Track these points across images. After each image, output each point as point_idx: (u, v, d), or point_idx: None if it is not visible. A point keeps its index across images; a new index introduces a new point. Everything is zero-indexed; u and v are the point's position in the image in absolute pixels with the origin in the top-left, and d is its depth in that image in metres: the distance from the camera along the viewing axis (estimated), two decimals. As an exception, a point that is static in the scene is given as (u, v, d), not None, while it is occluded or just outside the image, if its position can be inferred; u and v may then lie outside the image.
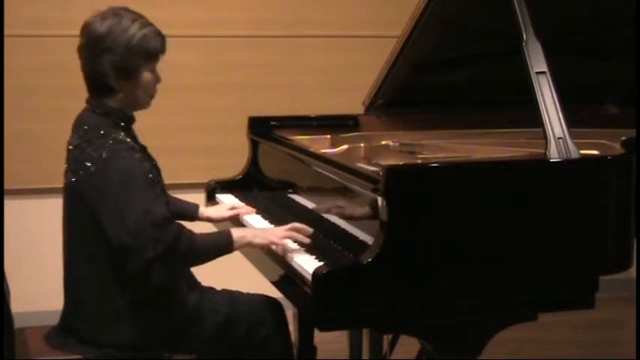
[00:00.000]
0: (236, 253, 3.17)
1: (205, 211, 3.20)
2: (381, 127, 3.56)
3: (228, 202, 3.38)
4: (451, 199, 2.53)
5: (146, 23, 2.69)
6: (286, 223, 2.89)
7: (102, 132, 2.66)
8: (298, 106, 4.76)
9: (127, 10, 2.71)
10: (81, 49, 2.72)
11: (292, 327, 3.36)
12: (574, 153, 2.68)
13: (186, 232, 2.62)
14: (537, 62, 2.76)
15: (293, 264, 2.66)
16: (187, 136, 4.70)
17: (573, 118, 2.73)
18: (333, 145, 3.43)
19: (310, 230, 2.75)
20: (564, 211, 2.62)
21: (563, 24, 3.21)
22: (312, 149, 3.14)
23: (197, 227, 3.08)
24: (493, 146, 3.19)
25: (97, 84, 2.70)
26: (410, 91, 3.53)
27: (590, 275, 2.64)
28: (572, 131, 2.71)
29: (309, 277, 2.45)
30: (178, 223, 2.64)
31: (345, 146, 3.37)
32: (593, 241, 2.66)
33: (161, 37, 2.71)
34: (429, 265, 2.50)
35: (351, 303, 2.44)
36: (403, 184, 2.50)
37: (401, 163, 3.00)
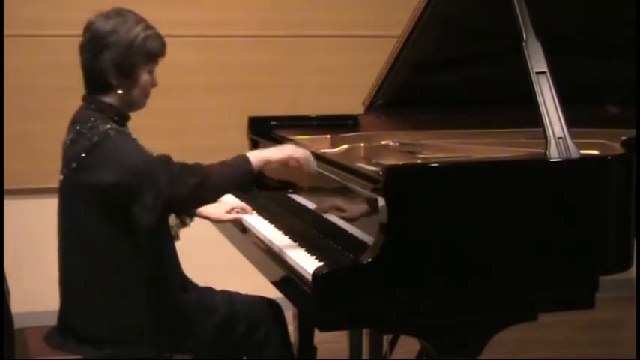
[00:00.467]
0: (236, 254, 3.18)
1: (204, 209, 3.19)
2: (381, 127, 3.56)
3: (228, 201, 3.38)
4: (451, 199, 2.53)
5: (149, 26, 2.74)
6: (286, 222, 2.90)
7: (94, 124, 2.68)
8: (299, 106, 4.76)
9: (130, 11, 2.75)
10: (83, 46, 2.76)
11: (292, 327, 3.36)
12: (574, 153, 2.68)
13: (196, 164, 2.64)
14: (537, 62, 2.76)
15: (293, 264, 2.66)
16: (187, 136, 4.70)
17: (573, 118, 2.73)
18: (333, 145, 3.43)
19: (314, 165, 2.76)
20: (564, 211, 2.62)
21: (563, 24, 3.21)
22: (312, 149, 3.14)
23: (197, 227, 3.09)
24: (493, 146, 3.19)
25: (96, 80, 2.73)
26: (410, 91, 3.53)
27: (590, 275, 2.64)
28: (572, 131, 2.71)
29: (309, 277, 2.45)
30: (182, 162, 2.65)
31: (345, 146, 3.37)
32: (593, 241, 2.66)
33: (162, 40, 2.76)
34: (429, 265, 2.50)
35: (351, 303, 2.44)
36: (403, 184, 2.50)
37: (401, 163, 3.00)
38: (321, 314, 2.46)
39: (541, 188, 2.62)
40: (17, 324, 2.81)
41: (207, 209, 3.18)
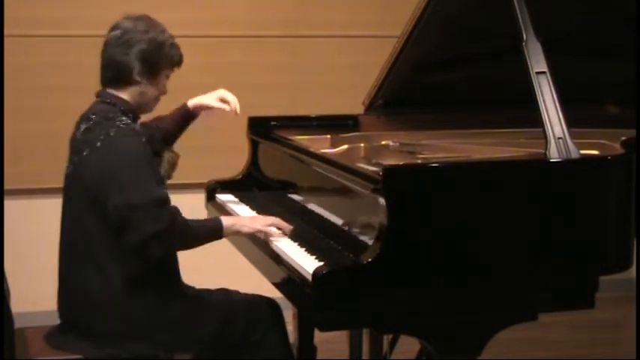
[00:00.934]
0: (237, 255, 3.19)
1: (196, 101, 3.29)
2: (381, 127, 3.56)
3: (226, 199, 3.39)
4: (451, 199, 2.53)
5: (172, 35, 2.87)
6: (286, 221, 2.90)
7: (110, 116, 2.77)
8: (298, 107, 4.76)
9: (154, 18, 2.87)
10: (110, 41, 2.82)
11: (292, 327, 3.36)
12: (574, 153, 2.68)
13: (181, 215, 2.73)
14: (537, 62, 2.76)
15: (293, 264, 2.66)
16: (187, 136, 4.69)
17: (573, 118, 2.73)
18: (333, 145, 3.43)
19: (290, 226, 2.87)
20: (564, 211, 2.62)
21: (563, 24, 3.21)
22: (312, 149, 3.14)
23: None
24: (493, 146, 3.19)
25: (119, 74, 2.81)
26: (410, 91, 3.53)
27: (590, 275, 2.64)
28: (572, 131, 2.71)
29: (309, 277, 2.45)
30: (174, 206, 2.72)
31: (345, 146, 3.37)
32: (593, 241, 2.66)
33: (181, 52, 2.89)
34: (429, 265, 2.50)
35: (351, 303, 2.44)
36: (403, 184, 2.50)
37: (401, 163, 3.00)
38: (321, 314, 2.47)
39: (541, 188, 2.62)
40: (17, 324, 2.81)
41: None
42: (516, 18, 2.81)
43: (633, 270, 2.81)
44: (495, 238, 2.57)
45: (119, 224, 2.65)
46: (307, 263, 2.60)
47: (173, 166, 3.11)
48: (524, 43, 2.78)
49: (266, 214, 3.16)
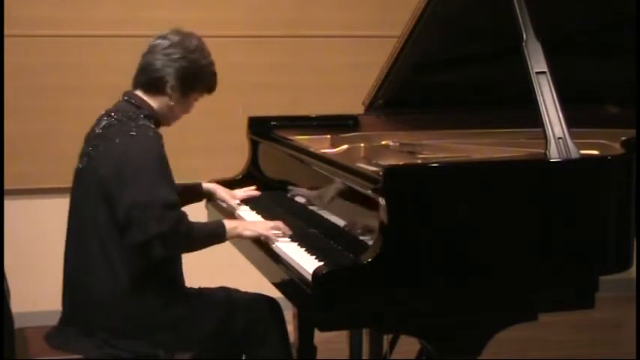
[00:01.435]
0: (238, 255, 3.19)
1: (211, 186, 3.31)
2: (381, 127, 3.56)
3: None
4: (451, 199, 2.53)
5: (214, 63, 2.92)
6: (286, 222, 2.90)
7: (133, 116, 2.80)
8: (298, 107, 4.75)
9: (204, 42, 2.92)
10: (158, 47, 2.85)
11: (292, 327, 3.36)
12: (574, 153, 2.68)
13: (187, 218, 2.74)
14: (537, 62, 2.76)
15: (293, 264, 2.67)
16: (187, 136, 4.70)
17: (573, 118, 2.73)
18: (333, 145, 3.43)
19: (290, 231, 2.89)
20: (564, 211, 2.62)
21: (563, 24, 3.21)
22: (312, 149, 3.14)
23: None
24: (493, 146, 3.19)
25: (153, 80, 2.84)
26: (410, 91, 3.53)
27: (590, 275, 2.64)
28: (572, 131, 2.71)
29: (309, 277, 2.45)
30: (181, 210, 2.74)
31: (345, 146, 3.37)
32: (593, 241, 2.66)
33: (216, 80, 2.95)
34: (429, 265, 2.50)
35: (351, 303, 2.44)
36: (403, 184, 2.50)
37: (401, 163, 3.00)
38: (321, 314, 2.47)
39: (541, 188, 2.62)
40: (17, 324, 2.81)
41: (213, 187, 3.30)
42: (516, 18, 2.81)
43: (633, 270, 2.81)
44: (495, 238, 2.57)
45: (125, 222, 2.66)
46: (307, 263, 2.60)
47: None
48: (524, 43, 2.78)
49: (266, 215, 3.17)
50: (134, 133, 2.74)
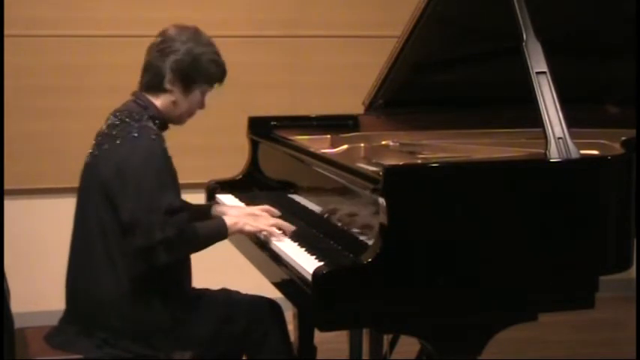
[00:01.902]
0: (238, 255, 3.19)
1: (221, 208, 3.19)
2: (381, 127, 3.56)
3: (228, 201, 3.39)
4: (451, 199, 2.53)
5: (217, 51, 2.88)
6: (285, 222, 2.90)
7: (137, 117, 2.79)
8: (298, 107, 4.75)
9: (203, 32, 2.88)
10: (153, 45, 2.84)
11: (292, 327, 3.36)
12: (574, 153, 2.68)
13: (188, 223, 2.74)
14: (537, 62, 2.76)
15: (293, 264, 2.66)
16: (187, 136, 4.69)
17: (573, 118, 2.73)
18: (333, 145, 3.43)
19: (292, 227, 2.88)
20: (564, 211, 2.62)
21: (563, 24, 3.20)
22: (312, 149, 3.14)
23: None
24: (493, 146, 3.19)
25: (152, 79, 2.83)
26: (410, 91, 3.53)
27: (590, 275, 2.64)
28: (572, 131, 2.71)
29: (309, 277, 2.45)
30: (184, 214, 2.73)
31: (345, 146, 3.37)
32: (593, 241, 2.66)
33: (224, 68, 2.91)
34: (429, 265, 2.50)
35: (351, 303, 2.44)
36: (403, 184, 2.50)
37: (401, 163, 3.00)
38: (321, 314, 2.47)
39: (541, 188, 2.62)
40: (17, 324, 2.81)
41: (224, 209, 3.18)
42: (516, 18, 2.81)
43: (633, 270, 2.81)
44: (495, 238, 2.57)
45: (128, 226, 2.65)
46: (307, 263, 2.60)
47: None
48: (524, 43, 2.78)
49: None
50: (136, 135, 2.73)
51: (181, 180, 3.14)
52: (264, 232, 2.88)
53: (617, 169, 2.70)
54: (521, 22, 2.81)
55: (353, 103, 3.66)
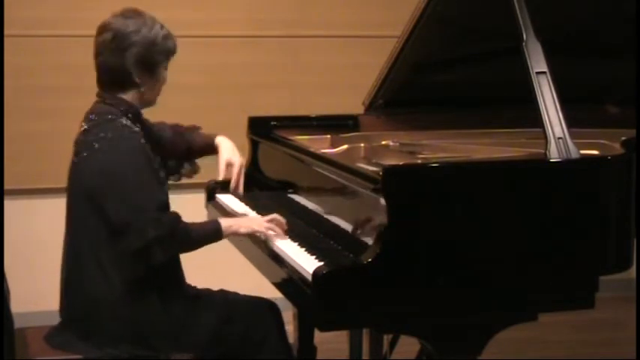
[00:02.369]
0: (238, 255, 3.19)
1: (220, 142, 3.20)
2: (381, 127, 3.56)
3: (228, 201, 3.39)
4: (451, 199, 2.53)
5: (163, 25, 2.82)
6: (286, 222, 2.90)
7: (109, 117, 2.75)
8: (298, 107, 4.76)
9: (143, 12, 2.82)
10: (103, 44, 2.78)
11: (292, 327, 3.36)
12: (574, 153, 2.68)
13: (182, 221, 2.72)
14: (537, 62, 2.76)
15: (293, 264, 2.66)
16: (187, 136, 4.70)
17: (573, 118, 2.73)
18: (333, 145, 3.43)
19: (285, 222, 2.89)
20: (564, 211, 2.62)
21: (563, 24, 3.20)
22: (312, 149, 3.14)
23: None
24: (493, 146, 3.19)
25: (118, 78, 2.78)
26: (410, 91, 3.53)
27: (590, 275, 2.64)
28: (572, 131, 2.71)
29: (309, 277, 2.45)
30: (176, 212, 2.72)
31: (345, 146, 3.37)
32: (593, 241, 2.66)
33: (174, 39, 2.85)
34: (429, 265, 2.49)
35: (351, 303, 2.44)
36: (403, 184, 2.50)
37: (401, 163, 3.00)
38: (321, 314, 2.46)
39: (541, 188, 2.62)
40: (17, 324, 2.81)
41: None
42: (516, 18, 2.81)
43: (633, 270, 2.81)
44: (495, 238, 2.57)
45: (120, 228, 2.65)
46: (307, 263, 2.60)
47: (189, 175, 3.14)
48: (524, 43, 2.78)
49: (266, 215, 3.16)
50: (112, 137, 2.70)
51: (181, 180, 3.15)
52: (260, 234, 2.88)
53: (617, 169, 2.70)
54: (521, 22, 2.81)
55: (353, 103, 3.66)
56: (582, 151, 2.74)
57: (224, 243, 2.98)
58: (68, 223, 2.85)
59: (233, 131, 3.81)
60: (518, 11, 2.82)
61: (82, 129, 2.79)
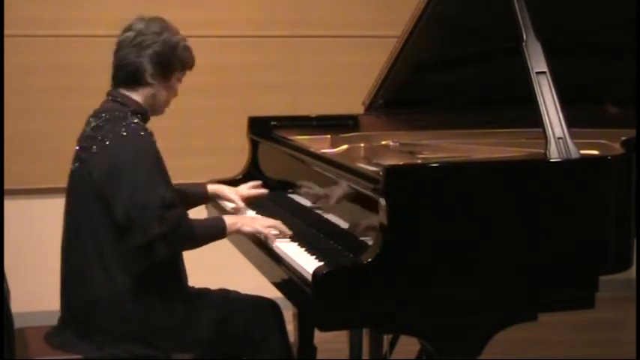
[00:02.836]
0: (238, 255, 3.19)
1: (216, 189, 3.26)
2: (381, 127, 3.56)
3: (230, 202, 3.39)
4: (451, 199, 2.53)
5: (185, 38, 2.89)
6: (286, 222, 2.90)
7: (120, 115, 2.78)
8: (298, 107, 4.76)
9: (168, 21, 2.89)
10: (124, 42, 2.83)
11: (292, 327, 3.36)
12: (574, 153, 2.68)
13: (187, 217, 2.74)
14: (537, 62, 2.76)
15: (293, 264, 2.66)
16: (187, 136, 4.70)
17: (573, 118, 2.73)
18: (333, 145, 3.43)
19: (290, 232, 2.89)
20: (564, 211, 2.62)
21: (563, 24, 3.20)
22: (312, 149, 3.14)
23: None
24: (493, 146, 3.19)
25: (131, 74, 2.82)
26: (410, 91, 3.53)
27: (590, 275, 2.64)
28: (572, 131, 2.71)
29: (309, 277, 2.45)
30: (181, 208, 2.73)
31: (345, 146, 3.37)
32: (593, 241, 2.66)
33: (193, 54, 2.92)
34: (429, 265, 2.49)
35: (351, 303, 2.44)
36: (403, 184, 2.50)
37: (401, 163, 3.00)
38: (321, 314, 2.46)
39: (541, 188, 2.62)
40: (17, 324, 2.81)
41: (219, 189, 3.27)
42: (516, 18, 2.81)
43: (633, 270, 2.81)
44: (495, 238, 2.57)
45: (125, 224, 2.65)
46: (307, 263, 2.60)
47: None
48: (524, 43, 2.78)
49: (266, 214, 3.16)
50: (125, 134, 2.72)
51: (182, 180, 3.15)
52: (262, 234, 2.88)
53: (617, 169, 2.70)
54: (521, 22, 2.81)
55: (353, 103, 3.66)
56: (582, 151, 2.74)
57: (224, 243, 2.99)
58: (68, 220, 2.85)
59: (233, 131, 3.82)
60: (518, 11, 2.82)
61: (91, 125, 2.80)
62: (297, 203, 3.21)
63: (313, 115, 3.66)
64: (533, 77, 2.74)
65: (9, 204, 4.05)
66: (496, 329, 2.61)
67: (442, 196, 2.52)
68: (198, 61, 4.77)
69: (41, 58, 4.56)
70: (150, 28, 2.81)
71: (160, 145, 2.83)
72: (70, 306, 2.84)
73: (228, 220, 2.85)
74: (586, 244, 2.65)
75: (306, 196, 3.17)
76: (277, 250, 2.80)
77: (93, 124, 2.80)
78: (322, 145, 3.39)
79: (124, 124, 2.74)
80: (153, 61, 2.79)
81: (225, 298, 2.91)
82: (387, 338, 3.40)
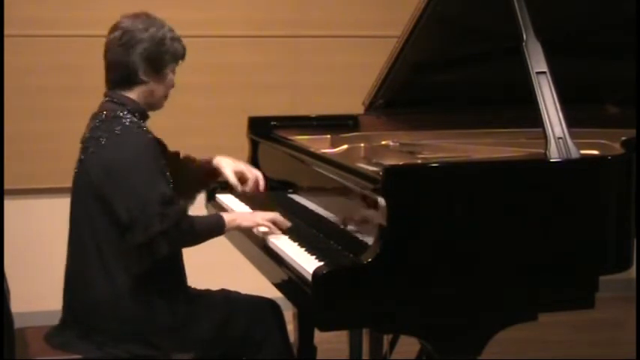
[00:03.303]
0: (238, 255, 3.19)
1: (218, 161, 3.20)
2: (381, 127, 3.56)
3: (228, 201, 3.39)
4: (451, 199, 2.53)
5: (172, 29, 2.86)
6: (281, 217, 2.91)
7: (118, 114, 2.78)
8: (298, 107, 4.76)
9: (153, 15, 2.87)
10: (112, 42, 2.81)
11: (292, 327, 3.36)
12: (574, 153, 2.68)
13: (187, 214, 2.75)
14: (537, 62, 2.76)
15: (293, 264, 2.66)
16: (187, 136, 4.70)
17: (573, 118, 2.73)
18: (333, 145, 3.43)
19: (288, 223, 2.89)
20: (564, 211, 2.62)
21: (563, 24, 3.20)
22: (312, 149, 3.14)
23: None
24: (493, 146, 3.19)
25: (125, 75, 2.81)
26: (410, 91, 3.53)
27: (590, 275, 2.64)
28: (572, 131, 2.71)
29: (309, 277, 2.45)
30: (181, 205, 2.76)
31: (345, 146, 3.37)
32: (593, 241, 2.66)
33: (184, 44, 2.89)
34: (429, 265, 2.49)
35: (351, 303, 2.44)
36: (403, 184, 2.50)
37: (401, 163, 3.00)
38: (321, 314, 2.46)
39: (541, 188, 2.62)
40: (17, 324, 2.81)
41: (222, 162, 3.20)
42: (516, 18, 2.81)
43: (633, 270, 2.81)
44: (495, 238, 2.57)
45: (126, 222, 2.65)
46: (307, 263, 2.60)
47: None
48: (524, 43, 2.78)
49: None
50: (119, 132, 2.73)
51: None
52: (261, 227, 2.89)
53: (617, 169, 2.70)
54: (521, 22, 2.81)
55: (353, 103, 3.66)
56: (582, 151, 2.74)
57: (225, 243, 2.98)
58: (73, 221, 2.85)
59: (233, 131, 3.82)
60: (518, 11, 2.82)
61: (91, 126, 2.81)
62: (297, 203, 3.21)
63: (313, 115, 3.66)
64: (533, 77, 2.74)
65: (9, 204, 4.06)
66: (496, 329, 2.61)
67: (442, 196, 2.52)
68: (199, 61, 4.79)
69: (41, 58, 4.56)
70: (136, 25, 2.79)
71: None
72: (71, 306, 2.84)
73: (227, 216, 2.86)
74: (586, 244, 2.65)
75: (304, 195, 3.17)
76: (277, 250, 2.80)
77: (92, 126, 2.81)
78: (322, 145, 3.39)
79: (119, 123, 2.75)
80: (143, 58, 2.78)
81: (226, 298, 2.91)
82: (387, 338, 3.40)
